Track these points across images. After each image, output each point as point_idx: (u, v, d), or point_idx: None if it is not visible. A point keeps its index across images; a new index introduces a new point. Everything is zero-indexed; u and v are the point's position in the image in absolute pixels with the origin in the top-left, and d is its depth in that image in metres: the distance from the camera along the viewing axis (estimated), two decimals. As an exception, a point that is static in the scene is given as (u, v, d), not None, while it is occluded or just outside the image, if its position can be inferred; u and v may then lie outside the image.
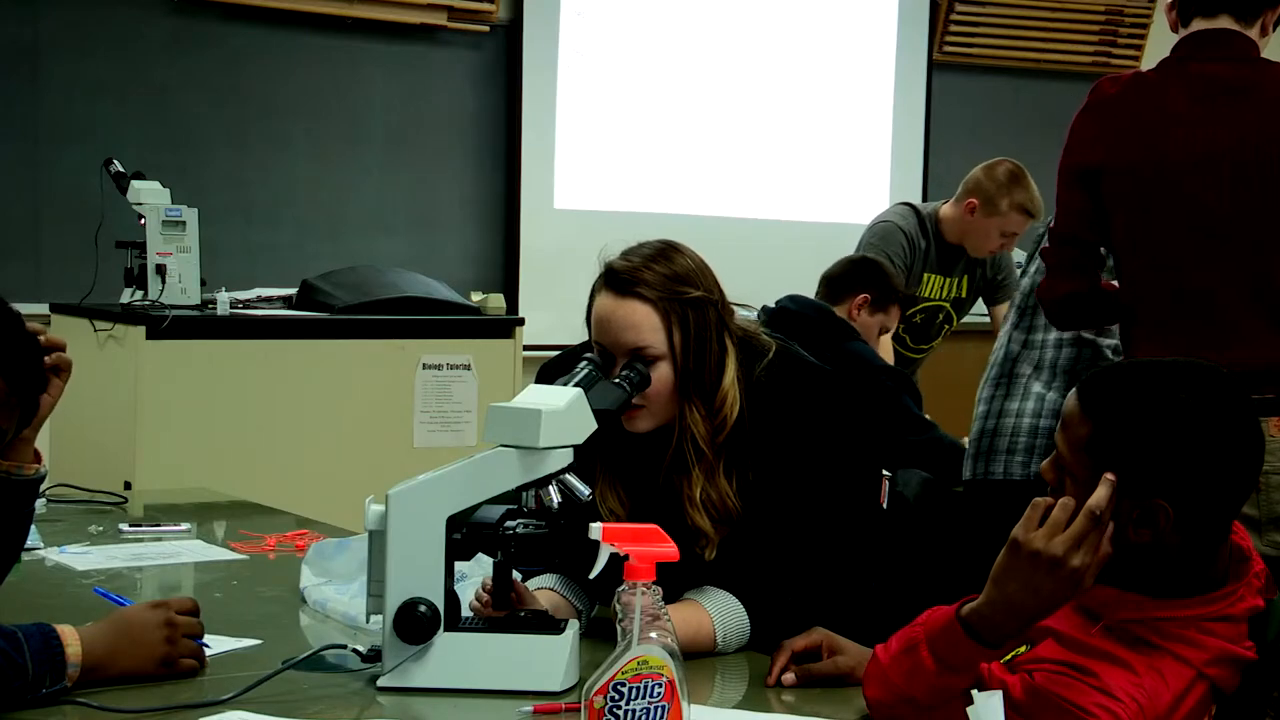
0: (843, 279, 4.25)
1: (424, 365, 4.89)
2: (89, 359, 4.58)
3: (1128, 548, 1.85)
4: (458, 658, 2.05)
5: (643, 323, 2.27)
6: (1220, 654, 1.87)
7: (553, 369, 2.37)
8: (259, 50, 6.12)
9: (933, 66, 7.49)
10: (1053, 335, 3.48)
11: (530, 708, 1.97)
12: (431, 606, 2.03)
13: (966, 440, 4.11)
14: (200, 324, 4.65)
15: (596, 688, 1.58)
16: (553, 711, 1.97)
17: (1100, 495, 1.80)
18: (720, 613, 2.29)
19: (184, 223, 4.81)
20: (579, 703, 1.64)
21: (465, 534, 2.09)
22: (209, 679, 2.06)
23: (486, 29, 6.54)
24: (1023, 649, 1.93)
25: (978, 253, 4.92)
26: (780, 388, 2.34)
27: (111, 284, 4.91)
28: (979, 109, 7.57)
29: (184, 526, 3.13)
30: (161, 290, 4.75)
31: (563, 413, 2.08)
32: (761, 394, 2.33)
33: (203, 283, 4.85)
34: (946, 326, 5.04)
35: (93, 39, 5.81)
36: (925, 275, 4.91)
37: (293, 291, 5.03)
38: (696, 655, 2.22)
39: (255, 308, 4.90)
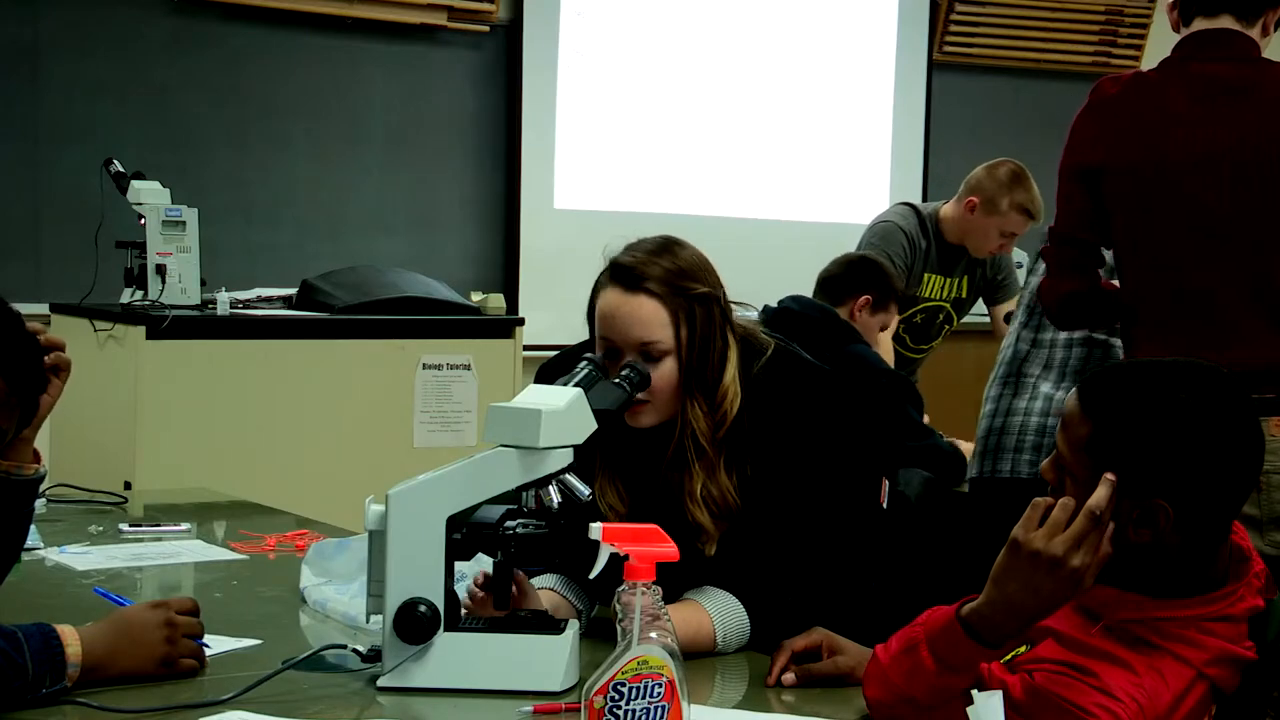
0: (842, 280, 4.24)
1: (424, 365, 4.89)
2: (89, 359, 4.58)
3: (1128, 548, 1.85)
4: (458, 658, 2.05)
5: (651, 318, 2.27)
6: (1220, 654, 1.87)
7: (552, 369, 2.37)
8: (259, 50, 6.12)
9: (933, 66, 7.49)
10: (1062, 335, 3.49)
11: (530, 708, 1.97)
12: (431, 606, 2.03)
13: (960, 443, 4.14)
14: (200, 324, 4.65)
15: (596, 688, 1.58)
16: (553, 711, 1.97)
17: (1100, 495, 1.80)
18: (720, 613, 2.29)
19: (184, 223, 4.81)
20: (579, 703, 1.64)
21: (465, 534, 2.09)
22: (209, 679, 2.06)
23: (486, 29, 6.54)
24: (1023, 649, 1.93)
25: (978, 253, 4.92)
26: (778, 386, 2.34)
27: (111, 284, 4.91)
28: (979, 109, 7.57)
29: (184, 526, 3.13)
30: (161, 290, 4.75)
31: (563, 413, 2.08)
32: (759, 391, 2.33)
33: (203, 283, 4.84)
34: (947, 327, 5.04)
35: (93, 39, 5.81)
36: (925, 275, 4.91)
37: (293, 291, 5.03)
38: (696, 655, 2.22)
39: (255, 308, 4.90)
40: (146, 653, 2.02)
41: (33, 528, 2.65)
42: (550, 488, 2.10)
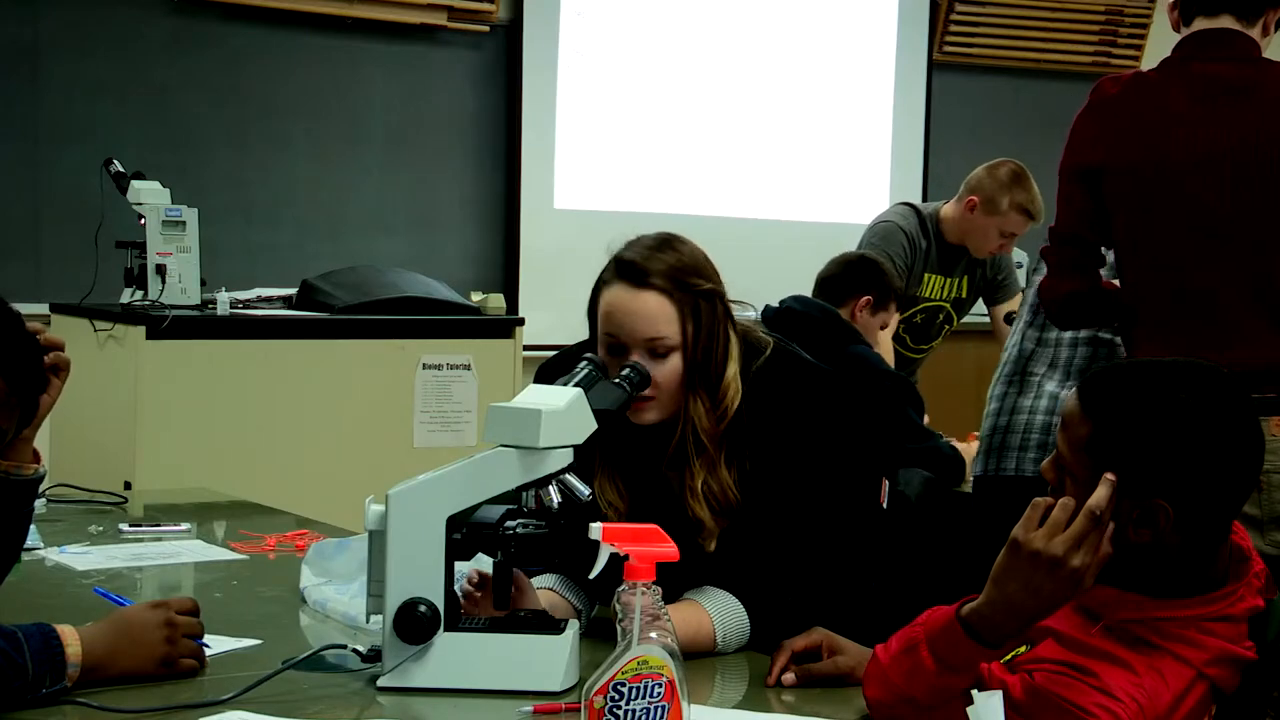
0: (842, 280, 4.24)
1: (424, 365, 4.89)
2: (89, 359, 4.58)
3: (1128, 548, 1.85)
4: (458, 658, 2.05)
5: (659, 314, 2.28)
6: (1220, 654, 1.87)
7: (551, 368, 2.37)
8: (259, 50, 6.12)
9: (933, 66, 7.49)
10: (1067, 334, 3.49)
11: (530, 708, 1.97)
12: (431, 606, 2.03)
13: (958, 444, 4.14)
14: (200, 324, 4.65)
15: (596, 688, 1.58)
16: (553, 711, 1.97)
17: (1100, 495, 1.80)
18: (720, 613, 2.29)
19: (184, 223, 4.81)
20: (579, 703, 1.64)
21: (465, 534, 2.09)
22: (209, 679, 2.06)
23: (486, 29, 6.54)
24: (1023, 649, 1.93)
25: (978, 253, 4.92)
26: (776, 384, 2.35)
27: (111, 284, 4.91)
28: (979, 109, 7.57)
29: (184, 526, 3.13)
30: (161, 290, 4.75)
31: (563, 413, 2.08)
32: (758, 390, 2.34)
33: (203, 283, 4.84)
34: (947, 327, 5.04)
35: (93, 39, 5.81)
36: (926, 275, 4.91)
37: (293, 291, 5.03)
38: (696, 655, 2.22)
39: (255, 308, 4.90)
40: (146, 653, 2.02)
41: (33, 528, 2.65)
42: (550, 488, 2.10)
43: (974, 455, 4.18)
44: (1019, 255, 5.58)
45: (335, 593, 2.48)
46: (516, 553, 2.11)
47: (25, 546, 2.50)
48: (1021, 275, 5.48)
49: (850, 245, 4.82)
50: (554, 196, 6.70)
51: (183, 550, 2.95)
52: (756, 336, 2.40)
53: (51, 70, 5.75)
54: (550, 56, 6.66)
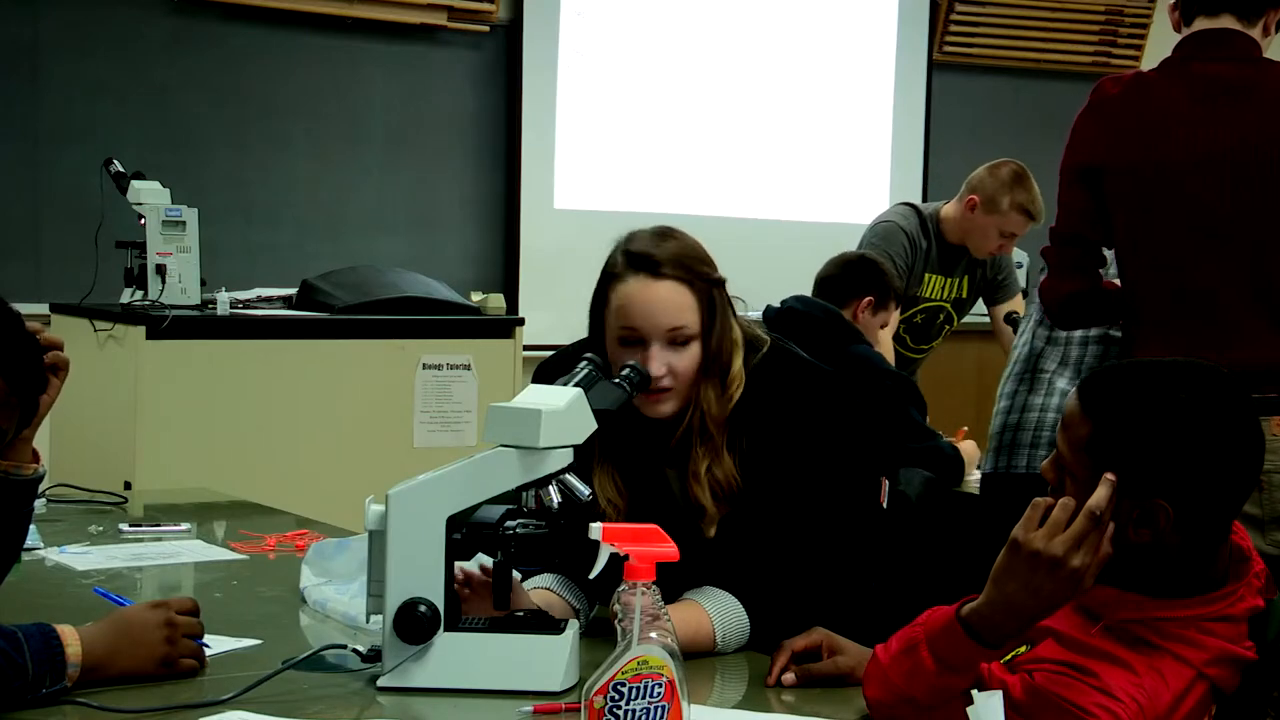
0: (841, 281, 4.23)
1: (424, 365, 4.89)
2: (89, 359, 4.58)
3: (1128, 548, 1.85)
4: (458, 658, 2.05)
5: (679, 303, 2.29)
6: (1220, 654, 1.87)
7: (550, 368, 2.37)
8: (259, 50, 6.12)
9: (933, 66, 7.49)
10: (1078, 333, 3.49)
11: (530, 708, 1.97)
12: (431, 606, 2.03)
13: (960, 444, 4.14)
14: (200, 324, 4.65)
15: (596, 688, 1.58)
16: (553, 711, 1.97)
17: (1100, 495, 1.80)
18: (720, 613, 2.30)
19: (184, 223, 4.81)
20: (579, 703, 1.64)
21: (465, 534, 2.09)
22: (209, 679, 2.06)
23: (486, 29, 6.54)
24: (1023, 649, 1.93)
25: (978, 253, 4.92)
26: (773, 381, 2.36)
27: (111, 284, 4.91)
28: (979, 109, 7.57)
29: (184, 526, 3.13)
30: (161, 290, 4.75)
31: (563, 413, 2.08)
32: (755, 386, 2.35)
33: (203, 283, 4.84)
34: (947, 327, 5.04)
35: (93, 39, 5.81)
36: (926, 275, 4.91)
37: (293, 291, 5.03)
38: (696, 655, 2.22)
39: (255, 308, 4.90)
40: (146, 653, 2.02)
41: (33, 528, 2.65)
42: (550, 488, 2.10)
43: (972, 454, 4.20)
44: (1019, 255, 5.58)
45: (335, 593, 2.47)
46: (516, 553, 2.11)
47: (25, 546, 2.51)
48: (1022, 275, 5.49)
49: (850, 245, 4.82)
50: (554, 196, 6.70)
51: (183, 550, 2.95)
52: (755, 334, 2.41)
53: (51, 70, 5.75)
54: (550, 56, 6.66)
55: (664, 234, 2.35)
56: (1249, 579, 1.92)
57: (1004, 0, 7.62)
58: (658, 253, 2.30)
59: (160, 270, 4.74)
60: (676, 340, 2.29)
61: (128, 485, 4.18)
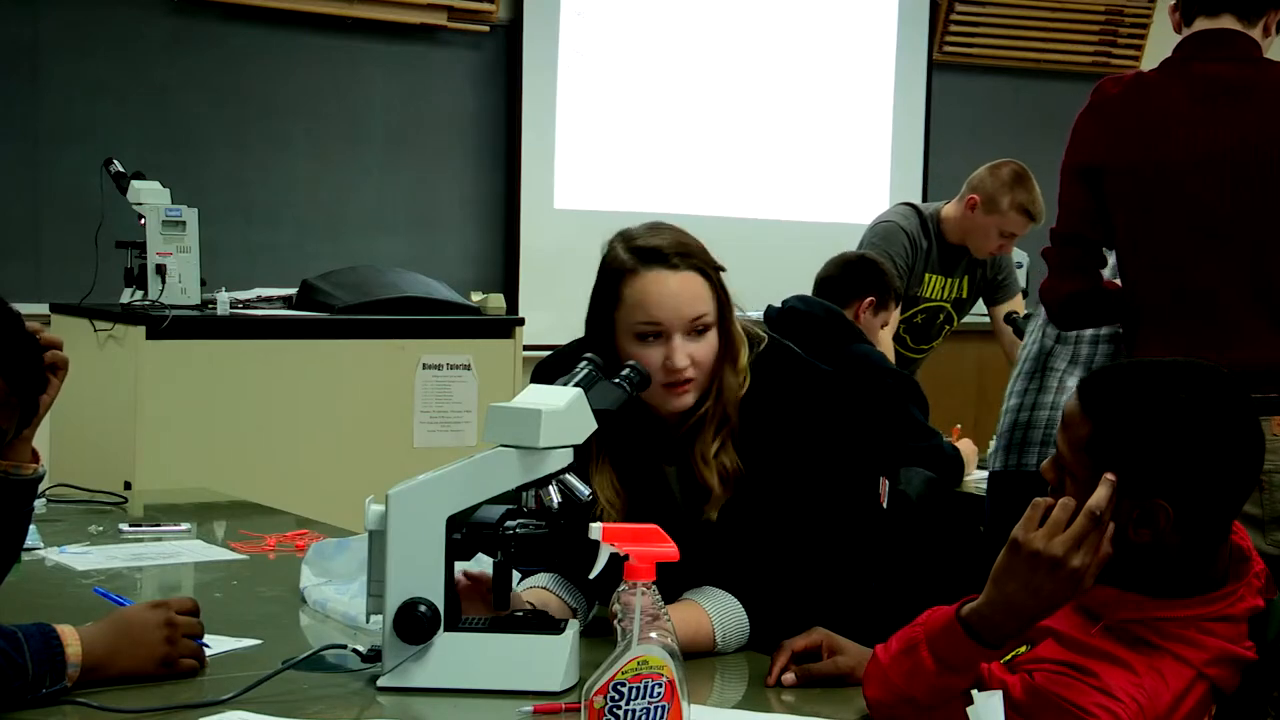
0: (842, 282, 4.24)
1: (424, 365, 4.89)
2: (89, 359, 4.58)
3: (1128, 548, 1.85)
4: (458, 658, 2.05)
5: (701, 292, 2.30)
6: (1220, 654, 1.87)
7: (549, 367, 2.37)
8: (259, 50, 6.12)
9: (933, 66, 7.49)
10: (1088, 331, 3.49)
11: (530, 708, 1.97)
12: (431, 606, 2.03)
13: (960, 444, 4.14)
14: (200, 324, 4.65)
15: (596, 688, 1.58)
16: (553, 711, 1.96)
17: (1100, 495, 1.80)
18: (720, 613, 2.30)
19: (184, 223, 4.81)
20: (579, 703, 1.64)
21: (465, 534, 2.09)
22: (209, 679, 2.06)
23: (486, 29, 6.54)
24: (1023, 649, 1.93)
25: (979, 253, 4.92)
26: (770, 378, 2.36)
27: (111, 284, 4.91)
28: (979, 109, 7.58)
29: (184, 526, 3.13)
30: (161, 290, 4.75)
31: (563, 413, 2.08)
32: (754, 383, 2.36)
33: (203, 283, 4.84)
34: (947, 327, 5.04)
35: (93, 39, 5.81)
36: (926, 275, 4.90)
37: (293, 291, 5.03)
38: (696, 655, 2.22)
39: (255, 308, 4.90)
40: (146, 653, 2.02)
41: (33, 528, 2.65)
42: (550, 488, 2.10)
43: (970, 453, 4.20)
44: (1019, 255, 5.58)
45: (335, 593, 2.47)
46: (516, 553, 2.11)
47: (25, 546, 2.51)
48: (1021, 275, 5.49)
49: (850, 245, 4.82)
50: (554, 196, 6.70)
51: (183, 550, 2.95)
52: (753, 332, 2.41)
53: (51, 70, 5.75)
54: (550, 56, 6.66)
55: (658, 227, 2.36)
56: (1249, 579, 1.92)
57: (1004, 0, 7.62)
58: (665, 245, 2.31)
59: (160, 270, 4.74)
60: (696, 329, 2.29)
61: (128, 485, 4.18)
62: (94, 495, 3.39)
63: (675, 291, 2.29)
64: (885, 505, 3.22)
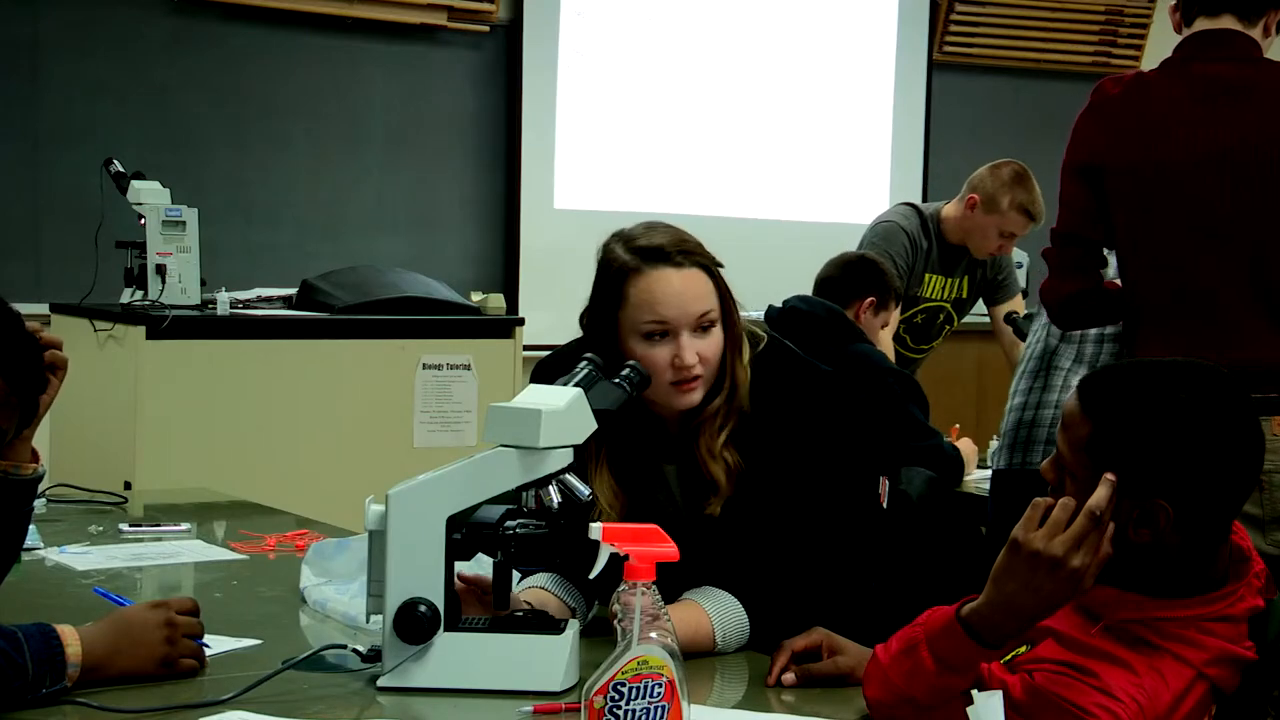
0: (842, 282, 4.24)
1: (424, 365, 4.89)
2: (89, 359, 4.58)
3: (1128, 548, 1.85)
4: (458, 658, 2.05)
5: (705, 288, 2.31)
6: (1220, 654, 1.87)
7: (549, 367, 2.37)
8: (259, 50, 6.12)
9: (933, 66, 7.49)
10: (1093, 330, 3.49)
11: (530, 708, 1.97)
12: (431, 606, 2.03)
13: (960, 443, 4.13)
14: (200, 324, 4.64)
15: (596, 688, 1.58)
16: (553, 711, 1.96)
17: (1100, 495, 1.80)
18: (719, 613, 2.29)
19: (184, 223, 4.81)
20: (579, 703, 1.64)
21: (465, 534, 2.09)
22: (209, 679, 2.06)
23: (486, 29, 6.54)
24: (1023, 649, 1.93)
25: (978, 253, 4.92)
26: (769, 378, 2.36)
27: (111, 284, 4.91)
28: (979, 109, 7.58)
29: (184, 526, 3.13)
30: (161, 290, 4.75)
31: (563, 413, 2.08)
32: (753, 381, 2.35)
33: (203, 283, 4.84)
34: (947, 327, 5.04)
35: (93, 39, 5.81)
36: (927, 275, 4.91)
37: (293, 291, 5.03)
38: (696, 655, 2.22)
39: (255, 308, 4.90)
40: (146, 653, 2.02)
41: (33, 528, 2.65)
42: (550, 488, 2.10)
43: (970, 453, 4.20)
44: (1019, 255, 5.58)
45: (335, 593, 2.47)
46: (516, 553, 2.11)
47: (25, 546, 2.51)
48: (1021, 275, 5.49)
49: (850, 245, 4.82)
50: (554, 196, 6.70)
51: (183, 550, 2.95)
52: (752, 330, 2.42)
53: (51, 70, 5.75)
54: (550, 56, 6.66)
55: (655, 226, 2.36)
56: (1249, 579, 1.92)
57: (1004, 0, 7.62)
58: (667, 244, 2.31)
59: (160, 270, 4.74)
60: (703, 326, 2.30)
61: (128, 485, 4.18)
62: (94, 495, 3.39)
63: (680, 289, 2.29)
64: (885, 505, 3.22)
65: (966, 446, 4.21)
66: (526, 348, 5.05)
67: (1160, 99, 2.97)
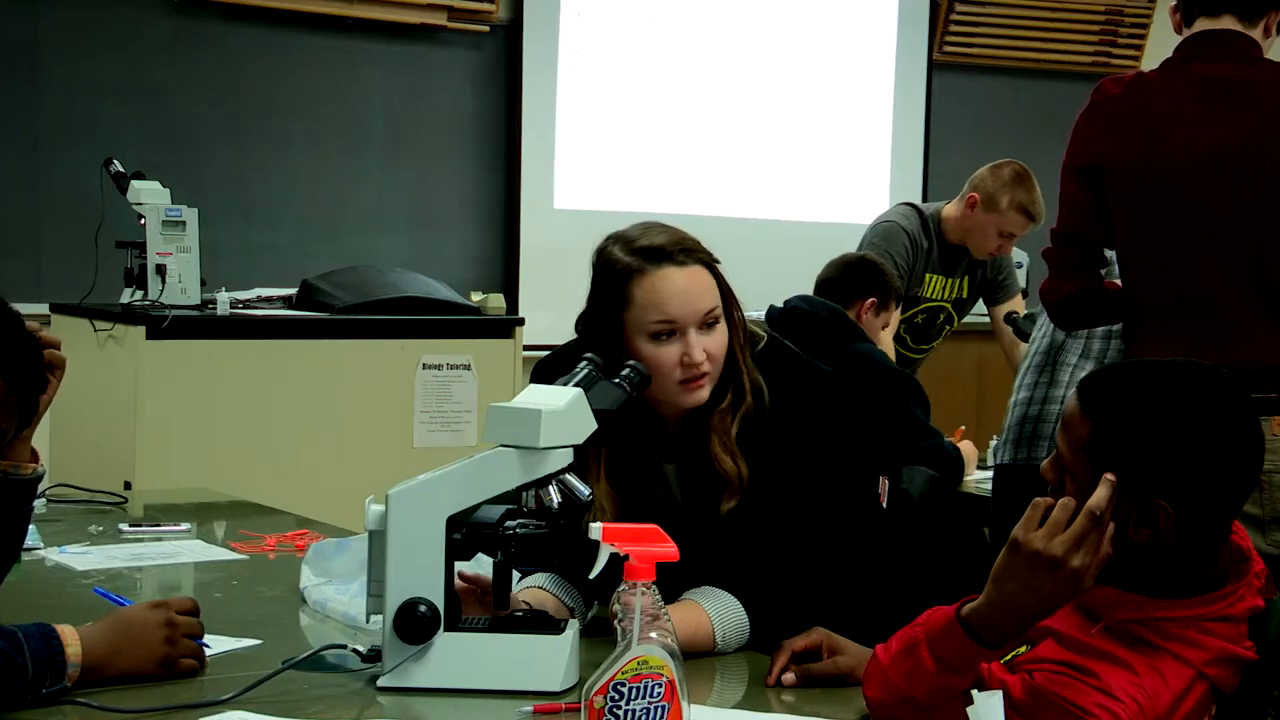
0: (843, 283, 4.24)
1: (424, 365, 4.89)
2: (89, 359, 4.58)
3: (1128, 548, 1.85)
4: (458, 658, 2.05)
5: (706, 285, 2.32)
6: (1220, 654, 1.87)
7: (549, 367, 2.37)
8: (259, 50, 6.12)
9: (933, 66, 7.49)
10: (1099, 328, 3.49)
11: (530, 708, 1.97)
12: (431, 606, 2.03)
13: (961, 444, 4.13)
14: (200, 324, 4.65)
15: (596, 688, 1.58)
16: (553, 711, 1.96)
17: (1100, 495, 1.80)
18: (719, 613, 2.29)
19: (184, 223, 4.81)
20: (579, 703, 1.64)
21: (465, 534, 2.09)
22: (209, 679, 2.06)
23: (486, 29, 6.54)
24: (1023, 649, 1.93)
25: (977, 253, 4.92)
26: (768, 378, 2.36)
27: (111, 284, 4.91)
28: (979, 109, 7.58)
29: (184, 526, 3.13)
30: (161, 290, 4.75)
31: (563, 413, 2.08)
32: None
33: (203, 283, 4.84)
34: (947, 327, 5.04)
35: (93, 39, 5.81)
36: (927, 276, 4.91)
37: (293, 291, 5.03)
38: (696, 655, 2.22)
39: (255, 308, 4.90)
40: (146, 653, 2.02)
41: (33, 528, 2.65)
42: (550, 488, 2.10)
43: (970, 455, 4.20)
44: (1019, 255, 5.58)
45: (335, 593, 2.47)
46: (516, 553, 2.11)
47: (25, 546, 2.51)
48: (1021, 275, 5.49)
49: (850, 245, 4.82)
50: (554, 196, 6.70)
51: (183, 550, 2.95)
52: (751, 330, 2.42)
53: (51, 70, 5.75)
54: (550, 56, 6.66)
55: (652, 226, 2.37)
56: (1249, 579, 1.92)
57: (1004, 0, 7.62)
58: (667, 243, 2.31)
59: (160, 270, 4.74)
60: (708, 323, 2.30)
61: (128, 485, 4.18)
62: (94, 495, 3.39)
63: (686, 287, 2.29)
64: (886, 504, 3.22)
65: (967, 448, 4.21)
66: (526, 348, 5.05)
67: (1161, 99, 2.97)
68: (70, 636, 1.96)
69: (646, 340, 2.30)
